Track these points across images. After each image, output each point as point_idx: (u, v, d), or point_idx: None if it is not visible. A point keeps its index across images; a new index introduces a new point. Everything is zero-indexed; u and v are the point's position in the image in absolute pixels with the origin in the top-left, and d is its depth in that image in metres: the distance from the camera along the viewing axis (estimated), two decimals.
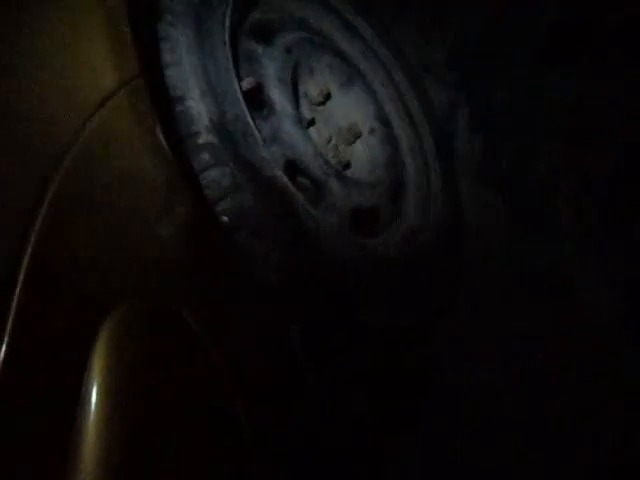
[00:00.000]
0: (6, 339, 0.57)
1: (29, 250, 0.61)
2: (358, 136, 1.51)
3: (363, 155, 1.51)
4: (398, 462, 1.27)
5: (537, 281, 1.51)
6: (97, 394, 0.63)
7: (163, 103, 0.94)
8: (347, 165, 1.44)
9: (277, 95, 1.27)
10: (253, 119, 1.12)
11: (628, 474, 1.32)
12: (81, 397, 0.62)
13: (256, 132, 1.11)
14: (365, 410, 1.11)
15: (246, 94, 1.16)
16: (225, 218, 0.97)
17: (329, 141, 1.44)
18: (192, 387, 0.76)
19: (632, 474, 1.32)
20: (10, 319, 0.59)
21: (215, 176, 0.98)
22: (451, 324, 1.42)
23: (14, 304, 0.59)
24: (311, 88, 1.44)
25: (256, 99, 1.22)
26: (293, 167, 1.23)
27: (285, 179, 1.11)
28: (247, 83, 1.21)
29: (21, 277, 0.59)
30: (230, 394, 0.81)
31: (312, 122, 1.41)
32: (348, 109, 1.53)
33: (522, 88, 1.74)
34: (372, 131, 1.55)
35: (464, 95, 1.76)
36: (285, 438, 0.91)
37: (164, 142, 0.83)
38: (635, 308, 1.40)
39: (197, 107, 1.01)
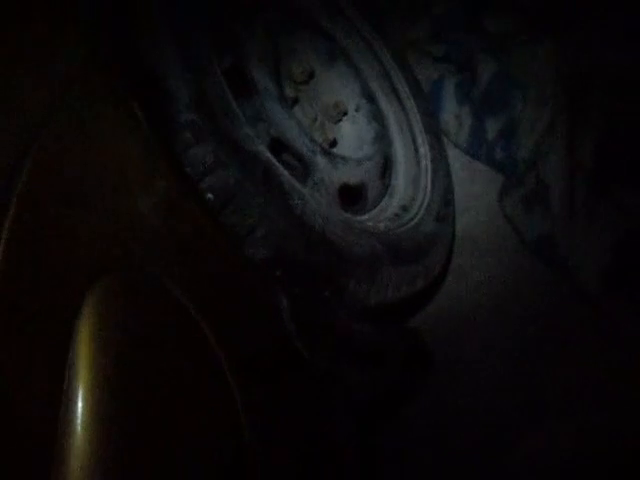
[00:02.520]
0: None
1: (8, 223, 0.61)
2: (344, 114, 1.51)
3: (350, 132, 1.50)
4: (396, 440, 1.27)
5: (530, 249, 1.51)
6: (83, 363, 0.63)
7: (142, 81, 0.93)
8: (334, 142, 1.44)
9: (259, 74, 1.27)
10: (235, 98, 1.12)
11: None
12: (67, 366, 0.62)
13: (238, 111, 1.10)
14: (361, 387, 1.11)
15: (227, 73, 1.15)
16: (210, 195, 0.97)
17: (315, 119, 1.43)
18: (181, 358, 0.76)
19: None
20: None
21: (198, 153, 0.97)
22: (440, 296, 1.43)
23: None
24: (293, 67, 1.43)
25: (238, 78, 1.21)
26: (278, 145, 1.22)
27: (270, 156, 1.10)
28: (228, 62, 1.20)
29: (1, 248, 0.59)
30: (223, 368, 0.81)
31: (296, 101, 1.41)
32: (332, 87, 1.53)
33: (508, 59, 1.73)
34: (358, 108, 1.54)
35: (449, 69, 1.75)
36: (282, 416, 0.91)
37: (143, 119, 0.82)
38: (619, 269, 1.40)
39: (177, 85, 1.00)
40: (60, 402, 0.62)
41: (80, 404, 0.64)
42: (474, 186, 1.66)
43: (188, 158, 0.97)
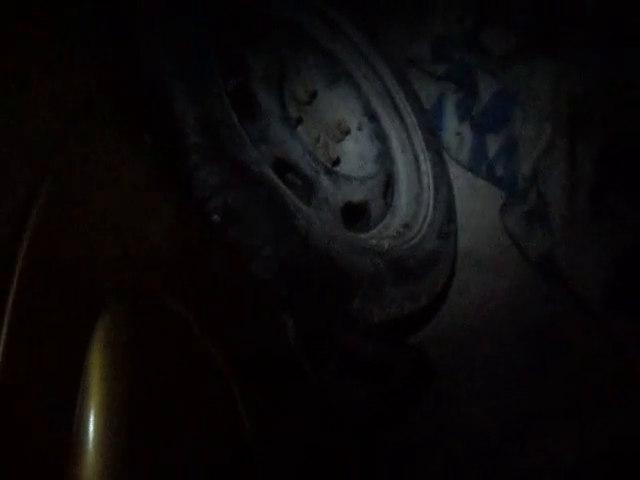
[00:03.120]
0: (3, 337, 0.58)
1: (22, 249, 0.62)
2: (347, 132, 1.53)
3: (352, 151, 1.52)
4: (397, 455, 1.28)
5: (532, 264, 1.53)
6: (95, 390, 0.65)
7: (148, 104, 0.95)
8: (337, 161, 1.46)
9: (263, 95, 1.29)
10: (240, 119, 1.14)
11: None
12: (80, 393, 0.64)
13: (243, 132, 1.12)
14: (365, 401, 1.12)
15: (232, 95, 1.17)
16: (216, 216, 0.99)
17: (318, 139, 1.45)
18: (189, 378, 0.77)
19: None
20: (6, 318, 0.60)
21: (204, 175, 0.99)
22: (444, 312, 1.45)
23: (9, 304, 0.60)
24: (297, 87, 1.45)
25: (242, 99, 1.23)
26: (282, 165, 1.24)
27: (274, 176, 1.12)
28: (232, 83, 1.22)
29: (16, 276, 0.61)
30: (228, 386, 0.82)
31: (300, 121, 1.43)
32: (335, 106, 1.55)
33: (508, 77, 1.75)
34: (360, 127, 1.57)
35: (450, 87, 1.77)
36: (284, 428, 0.92)
37: (150, 143, 0.84)
38: (621, 284, 1.42)
39: (182, 108, 1.02)
40: (72, 423, 0.63)
41: (92, 426, 0.65)
42: (476, 203, 1.67)
43: (194, 180, 0.99)
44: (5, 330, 0.59)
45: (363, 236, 1.35)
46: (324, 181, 1.30)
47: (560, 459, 1.31)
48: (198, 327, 0.80)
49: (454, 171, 1.70)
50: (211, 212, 0.98)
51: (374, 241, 1.34)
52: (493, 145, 1.69)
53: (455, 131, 1.75)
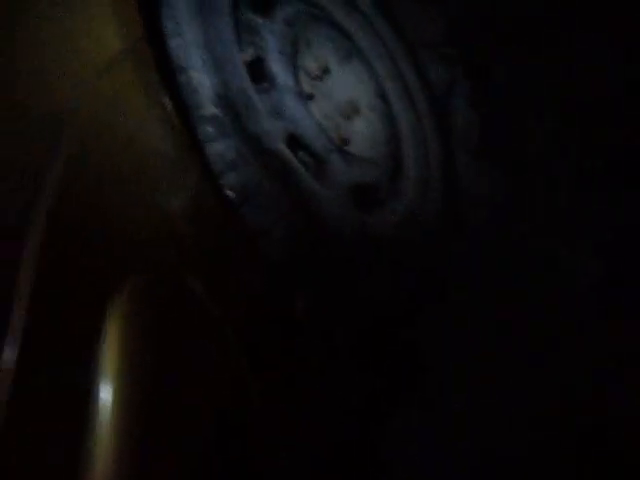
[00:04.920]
0: (22, 312, 0.56)
1: (38, 222, 0.60)
2: (357, 112, 1.50)
3: (363, 131, 1.49)
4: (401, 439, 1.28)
5: (531, 259, 1.53)
6: (111, 367, 0.63)
7: (170, 72, 0.92)
8: (347, 141, 1.43)
9: (278, 68, 1.26)
10: (255, 91, 1.11)
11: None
12: (95, 371, 0.62)
13: (259, 104, 1.09)
14: (368, 384, 1.12)
15: (248, 66, 1.14)
16: (230, 192, 0.96)
17: (329, 117, 1.42)
18: (204, 358, 0.75)
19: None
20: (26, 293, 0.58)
21: (219, 149, 0.97)
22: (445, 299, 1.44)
23: (29, 279, 0.58)
24: (310, 62, 1.41)
25: (258, 71, 1.20)
26: (295, 141, 1.21)
27: (288, 153, 1.10)
28: (249, 55, 1.19)
29: (32, 248, 0.58)
30: (241, 366, 0.81)
31: (311, 97, 1.40)
32: (347, 85, 1.52)
33: (520, 64, 1.74)
34: (371, 107, 1.53)
35: (462, 71, 1.75)
36: (293, 413, 0.91)
37: (173, 112, 0.81)
38: (611, 277, 1.43)
39: (200, 78, 0.99)
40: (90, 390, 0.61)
41: (109, 393, 0.63)
42: (483, 188, 1.66)
43: (210, 153, 0.96)
44: (28, 300, 0.57)
45: (370, 219, 1.33)
46: (335, 160, 1.28)
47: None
48: (211, 303, 0.78)
49: (462, 157, 1.68)
50: (225, 187, 0.96)
51: (381, 224, 1.33)
52: (502, 132, 1.67)
53: (465, 116, 1.73)
